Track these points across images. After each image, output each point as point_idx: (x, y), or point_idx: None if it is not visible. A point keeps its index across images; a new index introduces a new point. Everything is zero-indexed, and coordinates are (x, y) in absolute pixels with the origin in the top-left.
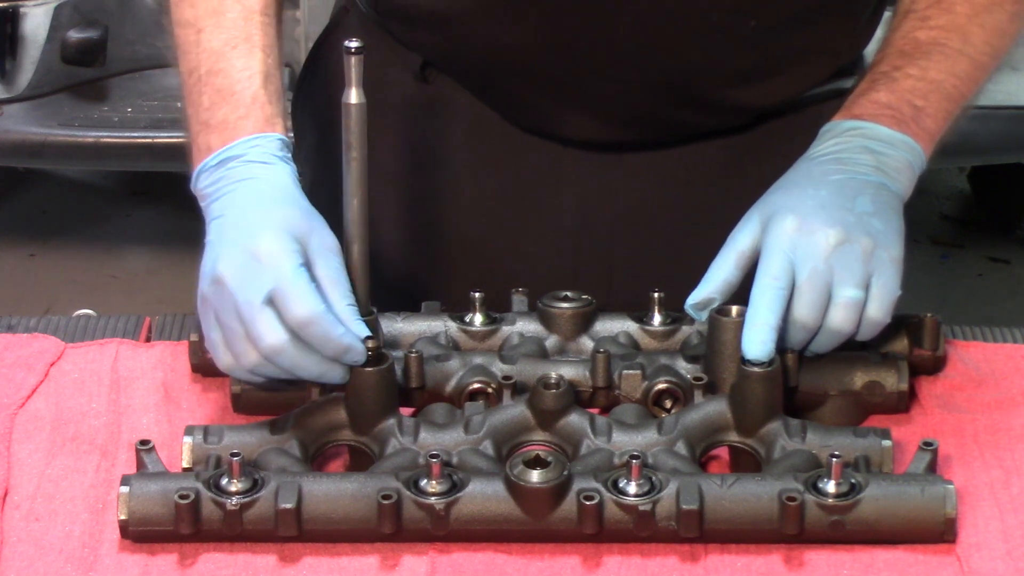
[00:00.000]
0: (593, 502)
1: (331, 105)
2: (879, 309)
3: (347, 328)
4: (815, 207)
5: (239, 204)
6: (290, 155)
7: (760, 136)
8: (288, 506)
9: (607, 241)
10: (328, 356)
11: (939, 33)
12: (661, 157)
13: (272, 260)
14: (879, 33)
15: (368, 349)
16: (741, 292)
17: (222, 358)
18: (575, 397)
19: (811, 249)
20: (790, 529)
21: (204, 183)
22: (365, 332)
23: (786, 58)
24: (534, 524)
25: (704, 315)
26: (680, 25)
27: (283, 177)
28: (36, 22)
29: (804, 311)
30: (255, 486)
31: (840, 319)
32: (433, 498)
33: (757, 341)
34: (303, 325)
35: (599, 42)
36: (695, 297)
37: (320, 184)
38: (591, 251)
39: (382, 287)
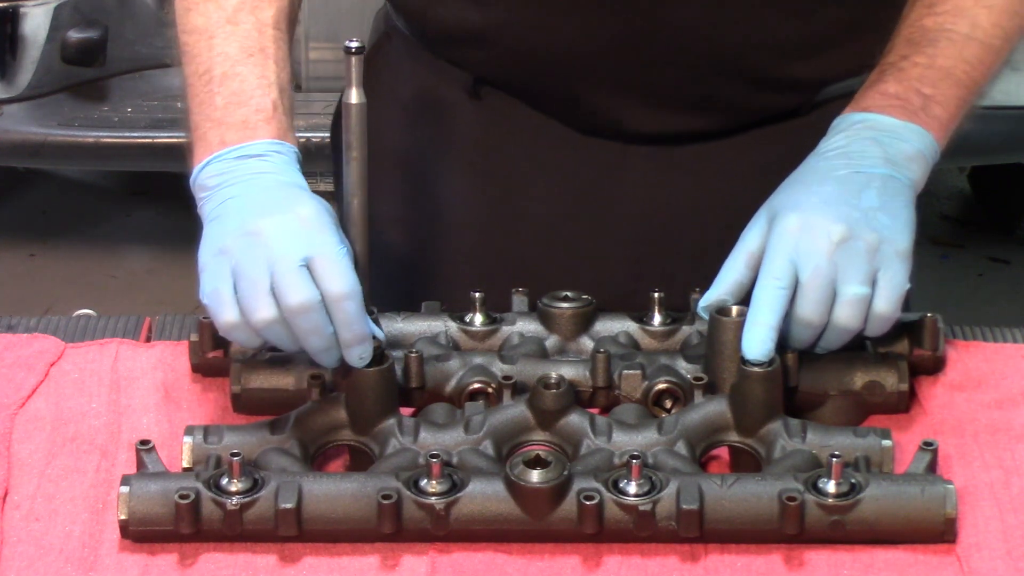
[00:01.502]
0: (593, 502)
1: (375, 134)
2: (886, 304)
3: (370, 321)
4: (818, 204)
5: (267, 186)
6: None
7: (817, 125)
8: (288, 506)
9: (669, 239)
10: (344, 338)
11: (946, 19)
12: (721, 149)
13: (317, 227)
14: None
15: None
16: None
17: (226, 313)
18: (575, 397)
19: (813, 247)
20: (790, 529)
21: (214, 172)
22: (380, 333)
23: (839, 29)
24: (534, 524)
25: (713, 310)
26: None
27: (303, 182)
28: (36, 22)
29: (808, 309)
30: (255, 486)
31: (846, 316)
32: (433, 498)
33: (756, 341)
34: (337, 299)
35: (653, 26)
36: (707, 299)
37: None
38: (653, 250)
39: (435, 296)
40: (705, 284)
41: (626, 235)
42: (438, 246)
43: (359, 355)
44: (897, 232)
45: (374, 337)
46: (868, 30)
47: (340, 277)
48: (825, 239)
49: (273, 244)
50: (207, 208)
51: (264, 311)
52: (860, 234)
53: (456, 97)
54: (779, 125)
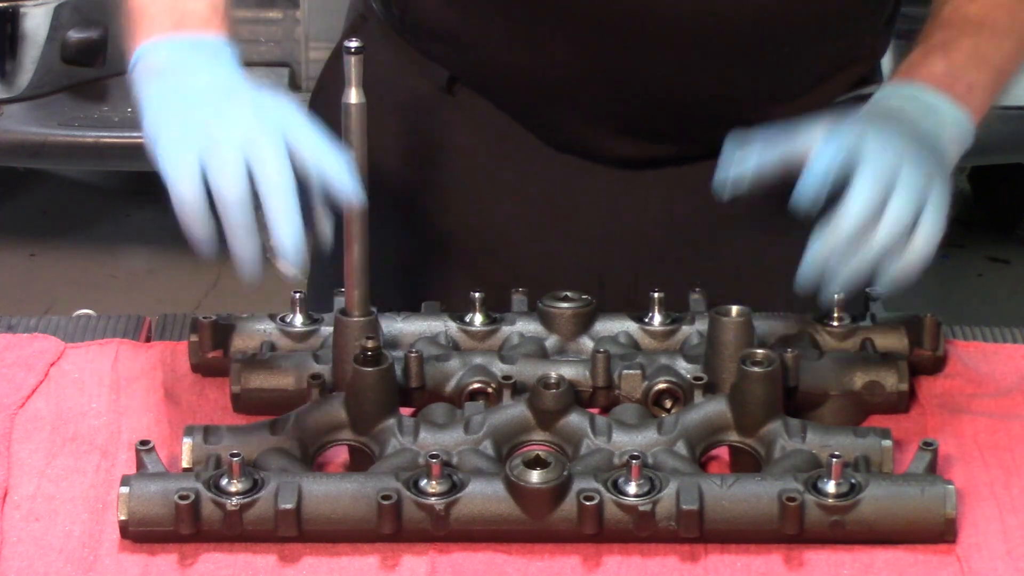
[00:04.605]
0: (593, 502)
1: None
2: (925, 240)
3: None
4: (884, 127)
5: (223, 72)
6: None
7: None
8: (288, 506)
9: (632, 253)
10: (331, 179)
11: (988, 10)
12: (687, 170)
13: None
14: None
15: (368, 349)
16: (748, 292)
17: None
18: (575, 397)
19: (879, 152)
20: (790, 529)
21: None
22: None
23: (813, 75)
24: (534, 524)
25: (728, 191)
26: (705, 49)
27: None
28: (36, 22)
29: (861, 196)
30: (255, 486)
31: (892, 220)
32: (433, 498)
33: (810, 180)
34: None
35: (625, 65)
36: (727, 171)
37: None
38: (616, 263)
39: (401, 294)
40: (670, 295)
41: (590, 246)
42: (412, 237)
43: (346, 192)
44: (943, 194)
45: (370, 338)
46: (841, 71)
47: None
48: (893, 150)
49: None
50: (158, 86)
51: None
52: (922, 165)
53: (429, 89)
54: None
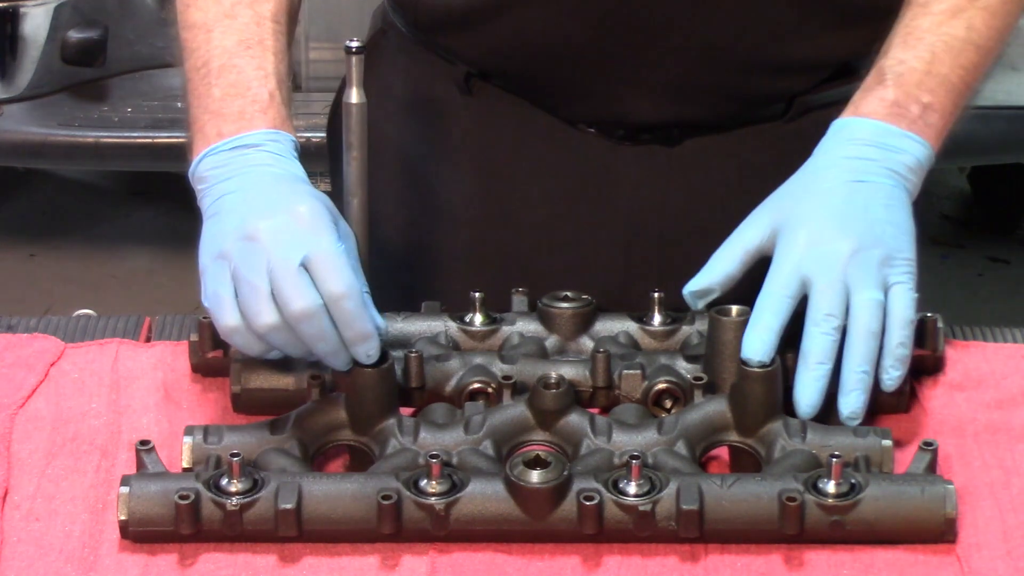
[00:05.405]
0: (593, 502)
1: (371, 130)
2: (902, 308)
3: (372, 315)
4: (827, 216)
5: (264, 180)
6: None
7: (805, 130)
8: (288, 506)
9: (662, 238)
10: (348, 337)
11: (942, 19)
12: (712, 150)
13: (315, 226)
14: None
15: None
16: (740, 291)
17: (227, 318)
18: (575, 397)
19: (826, 260)
20: (790, 529)
21: (211, 164)
22: (384, 324)
23: (839, 15)
24: (534, 524)
25: (700, 303)
26: None
27: (300, 172)
28: (36, 22)
29: (824, 304)
30: (255, 486)
31: (865, 316)
32: (433, 498)
33: (757, 342)
34: (336, 299)
35: (643, 11)
36: (694, 285)
37: None
38: (646, 248)
39: (433, 295)
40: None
41: (619, 233)
42: (433, 243)
43: (366, 352)
44: (903, 243)
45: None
46: (864, 15)
47: (337, 276)
48: (835, 254)
49: (271, 248)
50: (206, 202)
51: (266, 317)
52: (869, 247)
53: (449, 94)
54: (769, 128)
